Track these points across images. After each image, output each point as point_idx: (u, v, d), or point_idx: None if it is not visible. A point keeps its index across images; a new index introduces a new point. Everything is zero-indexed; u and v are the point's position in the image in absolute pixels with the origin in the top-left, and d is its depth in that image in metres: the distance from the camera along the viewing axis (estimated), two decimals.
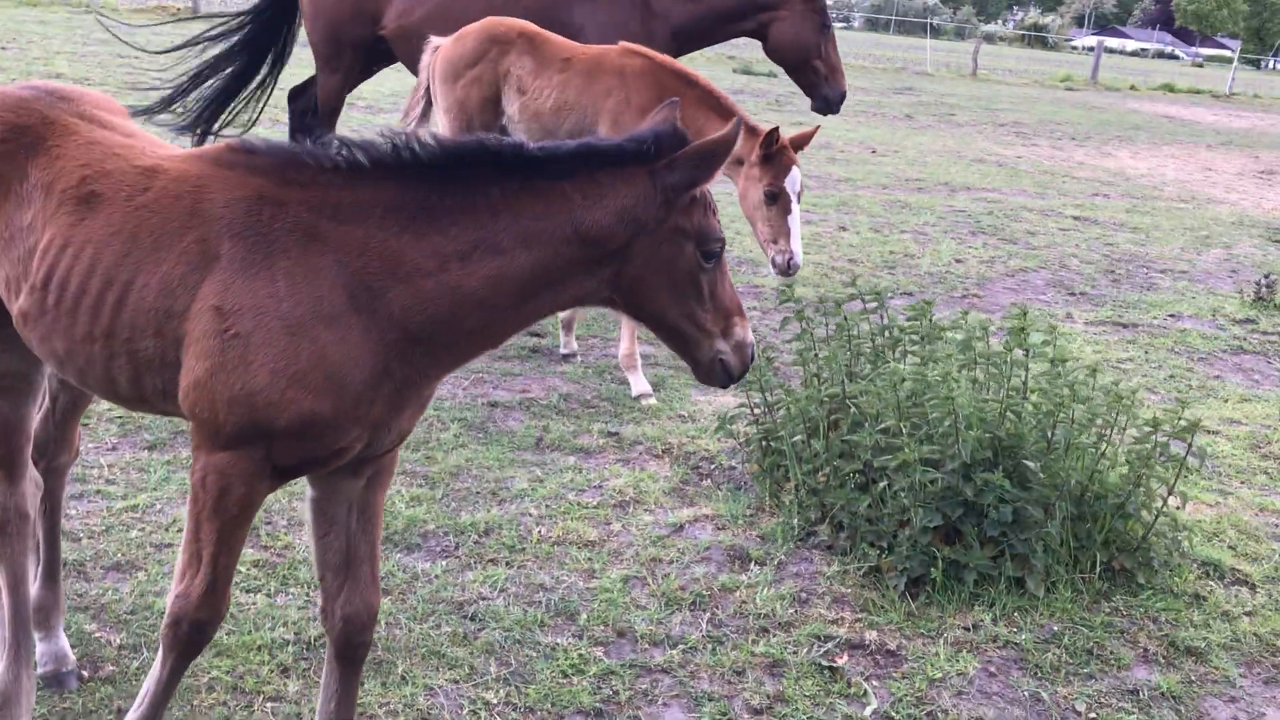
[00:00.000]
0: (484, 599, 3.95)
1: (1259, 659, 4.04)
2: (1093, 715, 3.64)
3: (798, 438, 4.57)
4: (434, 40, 6.48)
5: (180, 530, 4.19)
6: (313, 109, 8.55)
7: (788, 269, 5.74)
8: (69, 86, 2.86)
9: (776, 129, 5.61)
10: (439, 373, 2.58)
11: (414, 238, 2.45)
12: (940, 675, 3.75)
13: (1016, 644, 3.94)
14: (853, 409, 4.52)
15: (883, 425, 4.26)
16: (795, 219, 5.69)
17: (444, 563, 4.16)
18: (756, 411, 4.94)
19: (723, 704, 3.51)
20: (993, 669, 3.83)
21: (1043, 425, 4.30)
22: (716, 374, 2.70)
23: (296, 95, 8.86)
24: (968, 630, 4.00)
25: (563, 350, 6.49)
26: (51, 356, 2.62)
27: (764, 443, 4.87)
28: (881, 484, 4.24)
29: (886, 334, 4.90)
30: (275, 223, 2.45)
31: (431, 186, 2.48)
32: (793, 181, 5.67)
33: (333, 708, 2.82)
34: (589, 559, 4.29)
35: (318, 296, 2.41)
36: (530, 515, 4.58)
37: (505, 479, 4.88)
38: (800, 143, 5.78)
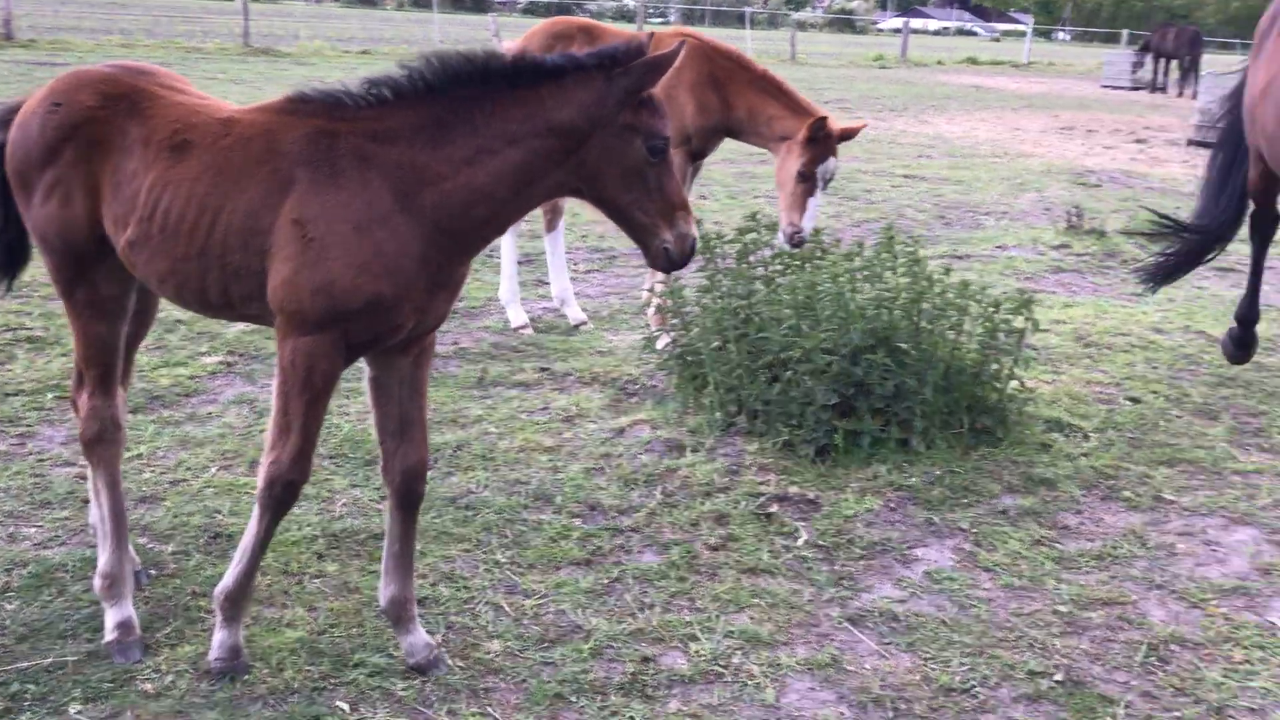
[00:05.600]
0: (472, 493, 4.65)
1: (1095, 483, 5.06)
2: (975, 530, 4.57)
3: (714, 344, 5.39)
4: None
5: (189, 469, 4.76)
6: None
7: (792, 241, 5.97)
8: (145, 63, 3.45)
9: (825, 117, 5.85)
10: (462, 257, 3.23)
11: (434, 150, 3.09)
12: (852, 513, 4.63)
13: (908, 486, 4.86)
14: (756, 319, 5.37)
15: (786, 325, 5.12)
16: (815, 202, 5.97)
17: (429, 473, 4.82)
18: (673, 333, 5.73)
19: (686, 545, 4.30)
20: (892, 505, 4.74)
21: (909, 313, 5.23)
22: (661, 260, 3.27)
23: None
24: (868, 480, 4.90)
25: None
26: (154, 276, 3.20)
27: (682, 358, 5.68)
28: (787, 374, 5.10)
29: (777, 261, 5.75)
30: (333, 150, 3.08)
31: (442, 107, 3.11)
32: (825, 170, 5.92)
33: (397, 549, 3.47)
34: (551, 459, 5.02)
35: (371, 202, 3.05)
36: (492, 433, 5.28)
37: (461, 409, 5.56)
38: (847, 135, 5.96)
